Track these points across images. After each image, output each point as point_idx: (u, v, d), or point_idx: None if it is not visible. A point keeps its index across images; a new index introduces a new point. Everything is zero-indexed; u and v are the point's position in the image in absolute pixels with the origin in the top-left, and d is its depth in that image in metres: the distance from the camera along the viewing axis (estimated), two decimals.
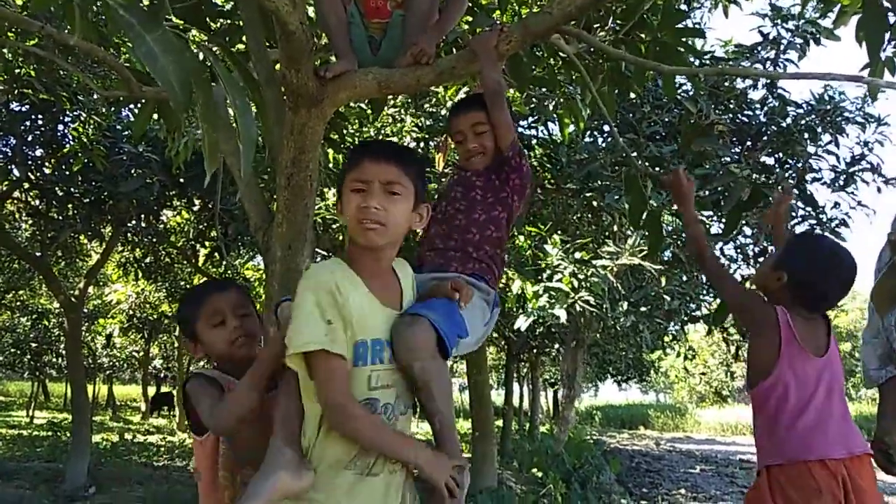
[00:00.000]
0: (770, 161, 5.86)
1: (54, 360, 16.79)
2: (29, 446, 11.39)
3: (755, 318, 2.20)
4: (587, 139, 6.07)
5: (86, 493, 7.49)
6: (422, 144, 6.08)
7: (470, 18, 3.66)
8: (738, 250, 7.68)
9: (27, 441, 12.12)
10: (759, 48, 5.85)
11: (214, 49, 0.82)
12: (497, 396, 22.74)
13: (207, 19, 3.60)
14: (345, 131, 6.02)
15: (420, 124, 6.27)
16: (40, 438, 12.50)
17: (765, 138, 6.07)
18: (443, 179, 6.24)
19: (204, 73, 0.74)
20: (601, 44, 2.32)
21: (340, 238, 5.49)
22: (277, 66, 2.66)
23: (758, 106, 6.33)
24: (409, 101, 6.23)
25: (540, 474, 7.83)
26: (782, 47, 6.01)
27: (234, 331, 1.88)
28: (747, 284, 2.37)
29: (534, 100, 5.34)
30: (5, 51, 4.18)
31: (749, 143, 5.99)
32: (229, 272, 10.21)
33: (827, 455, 2.00)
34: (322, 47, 3.23)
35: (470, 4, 3.66)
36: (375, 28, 2.51)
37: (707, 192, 2.84)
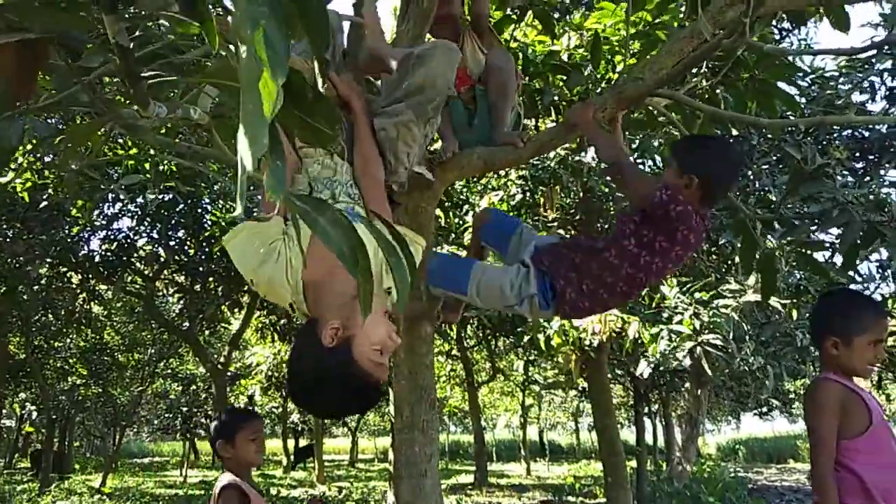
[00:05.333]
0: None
1: (203, 420, 18.01)
2: None
3: None
4: None
5: None
6: (528, 195, 6.21)
7: (564, 77, 3.80)
8: (879, 269, 7.19)
9: (183, 500, 12.95)
10: (875, 60, 5.57)
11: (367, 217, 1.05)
12: (629, 434, 22.00)
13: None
14: (450, 189, 6.26)
15: (525, 175, 6.42)
16: (195, 497, 13.31)
17: (892, 150, 5.73)
18: (549, 225, 6.32)
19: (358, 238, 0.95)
20: (694, 101, 2.37)
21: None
22: None
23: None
24: None
25: None
26: None
27: (258, 447, 2.65)
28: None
29: (637, 139, 5.35)
30: (152, 151, 4.80)
31: (872, 157, 5.68)
32: None
33: None
34: None
35: (562, 63, 3.80)
36: (466, 95, 2.71)
37: (822, 232, 2.78)
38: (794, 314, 5.28)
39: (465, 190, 6.48)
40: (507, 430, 33.82)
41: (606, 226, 6.32)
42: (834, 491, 2.11)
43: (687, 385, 10.12)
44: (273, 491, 14.44)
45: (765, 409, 18.95)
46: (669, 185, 2.14)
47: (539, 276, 2.28)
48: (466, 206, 6.68)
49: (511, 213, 6.52)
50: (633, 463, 12.63)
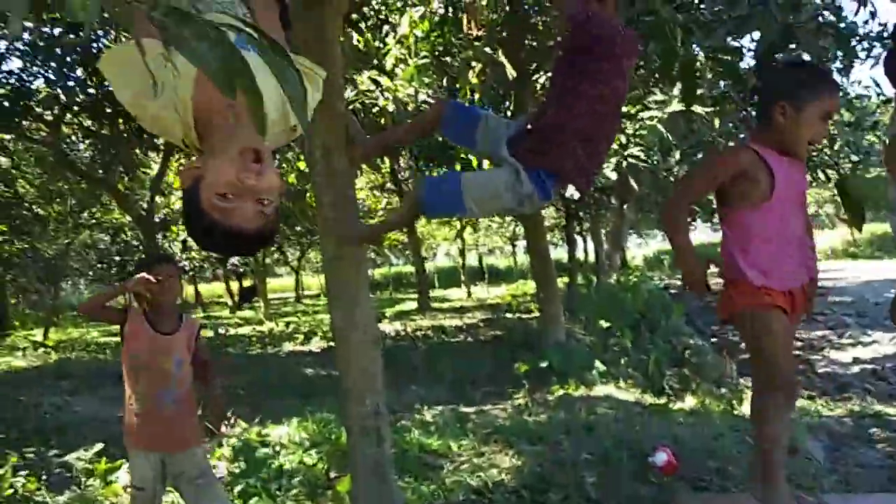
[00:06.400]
0: None
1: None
2: None
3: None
4: None
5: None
6: (450, 10, 5.85)
7: None
8: None
9: None
10: None
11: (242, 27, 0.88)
12: (563, 252, 23.02)
13: None
14: (366, 9, 5.83)
15: None
16: None
17: None
18: (476, 44, 6.03)
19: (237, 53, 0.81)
20: None
21: (382, 121, 5.48)
22: None
23: None
24: None
25: (607, 325, 8.06)
26: None
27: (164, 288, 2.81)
28: None
29: None
30: None
31: None
32: (286, 167, 10.36)
33: None
34: None
35: None
36: None
37: (740, 36, 2.69)
38: (717, 122, 5.33)
39: (383, 8, 6.05)
40: (448, 258, 34.91)
41: (534, 41, 6.07)
42: (685, 224, 2.27)
43: (612, 201, 10.44)
44: (221, 330, 14.78)
45: (689, 220, 19.89)
46: (587, 5, 2.04)
47: (529, 171, 2.14)
48: (386, 27, 6.29)
49: (433, 34, 6.18)
50: (566, 279, 13.30)
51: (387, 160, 10.47)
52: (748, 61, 3.83)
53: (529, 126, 2.24)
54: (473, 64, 5.39)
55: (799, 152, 2.23)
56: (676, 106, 4.36)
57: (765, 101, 2.26)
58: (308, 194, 12.76)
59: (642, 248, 38.09)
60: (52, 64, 6.97)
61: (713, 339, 9.03)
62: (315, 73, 1.62)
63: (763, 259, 2.18)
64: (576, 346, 7.20)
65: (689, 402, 5.70)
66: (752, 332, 2.19)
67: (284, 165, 10.78)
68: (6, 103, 7.29)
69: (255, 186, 1.37)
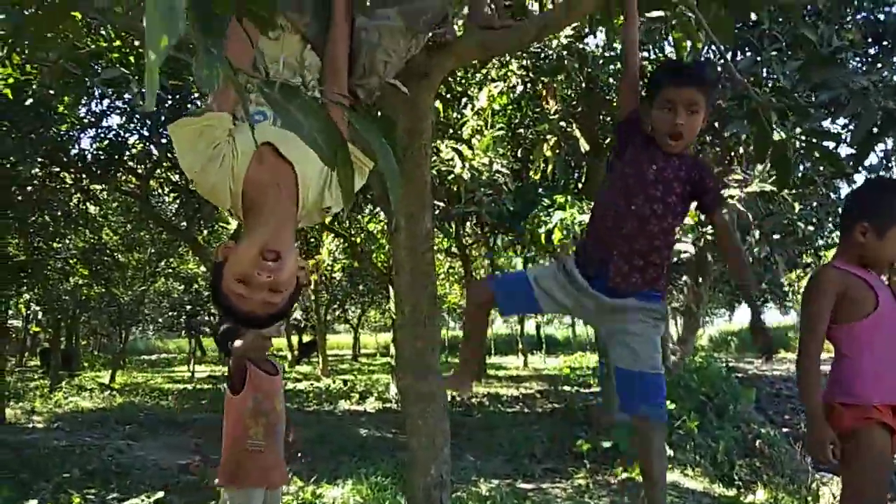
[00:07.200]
0: None
1: (207, 318, 18.33)
2: (195, 398, 12.55)
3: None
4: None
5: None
6: (528, 86, 5.99)
7: None
8: (884, 160, 7.08)
9: (192, 394, 13.36)
10: None
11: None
12: None
13: None
14: (449, 80, 6.01)
15: (526, 65, 6.18)
16: (203, 391, 13.73)
17: None
18: (551, 118, 6.13)
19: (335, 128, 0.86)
20: None
21: (456, 188, 5.59)
22: None
23: None
24: None
25: (672, 406, 7.75)
26: None
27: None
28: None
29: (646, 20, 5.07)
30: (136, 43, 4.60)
31: (886, 42, 5.43)
32: (354, 228, 10.62)
33: None
34: None
35: None
36: None
37: (834, 121, 2.66)
38: (797, 205, 5.21)
39: (463, 81, 6.25)
40: (506, 325, 34.57)
41: (609, 118, 6.14)
42: (817, 380, 2.14)
43: (685, 279, 10.20)
44: None
45: (759, 301, 19.24)
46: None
47: (637, 296, 2.02)
48: (465, 100, 6.48)
49: (510, 107, 6.31)
50: None
51: (453, 224, 10.58)
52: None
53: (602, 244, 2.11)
54: (548, 137, 5.47)
55: (881, 272, 2.24)
56: (756, 186, 4.30)
57: (846, 219, 2.26)
58: (374, 255, 12.99)
59: (707, 326, 36.90)
60: (148, 121, 7.41)
61: (785, 429, 8.58)
62: (363, 163, 1.69)
63: (868, 375, 2.13)
64: None
65: (761, 495, 5.40)
66: (852, 447, 2.09)
67: (353, 229, 11.03)
68: (103, 156, 7.77)
69: (267, 283, 1.48)
